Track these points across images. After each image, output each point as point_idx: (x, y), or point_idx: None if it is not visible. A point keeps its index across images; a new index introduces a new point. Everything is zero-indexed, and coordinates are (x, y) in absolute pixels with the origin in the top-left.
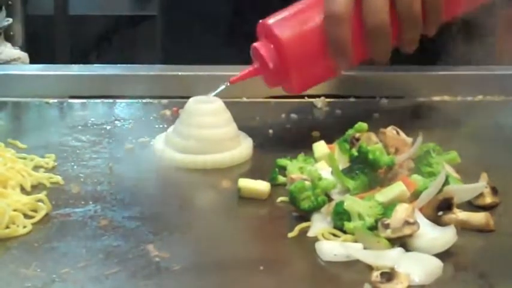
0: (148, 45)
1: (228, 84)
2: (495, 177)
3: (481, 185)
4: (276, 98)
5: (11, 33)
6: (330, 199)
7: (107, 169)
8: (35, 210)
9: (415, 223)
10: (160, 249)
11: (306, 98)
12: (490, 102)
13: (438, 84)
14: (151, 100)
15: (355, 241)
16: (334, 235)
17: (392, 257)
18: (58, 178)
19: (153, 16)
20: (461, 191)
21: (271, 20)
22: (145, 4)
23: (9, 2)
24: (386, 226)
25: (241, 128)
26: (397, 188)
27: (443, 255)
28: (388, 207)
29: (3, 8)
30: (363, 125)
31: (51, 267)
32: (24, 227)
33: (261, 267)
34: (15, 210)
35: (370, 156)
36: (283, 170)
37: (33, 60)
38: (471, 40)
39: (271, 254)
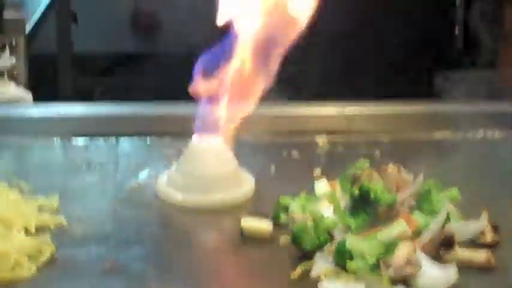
0: (151, 83)
1: None
2: (496, 214)
3: (482, 223)
4: (278, 135)
5: (15, 72)
6: (332, 237)
7: (110, 209)
8: (39, 251)
9: (416, 262)
10: None
11: (307, 135)
12: (490, 138)
13: (439, 121)
14: (154, 138)
15: (358, 281)
16: (338, 274)
17: None
18: (62, 219)
19: (157, 53)
20: (462, 228)
21: None
22: (149, 41)
23: (13, 42)
24: (388, 265)
25: (243, 165)
26: (399, 226)
27: None
28: (390, 246)
29: (7, 47)
30: (364, 163)
31: None
32: (29, 269)
33: None
34: (20, 252)
35: (372, 194)
36: (285, 208)
37: (36, 99)
38: (471, 74)
39: None
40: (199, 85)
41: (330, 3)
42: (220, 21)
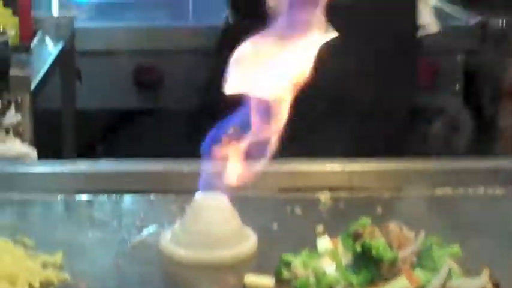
0: (154, 139)
1: None
2: (497, 271)
3: (483, 280)
4: (280, 192)
5: (20, 129)
6: None
7: (113, 266)
8: None
9: None
10: None
11: (310, 191)
12: (491, 194)
13: (439, 177)
14: (157, 195)
15: None
16: None
17: None
18: (66, 275)
19: (159, 110)
20: (464, 285)
21: None
22: (151, 98)
23: (19, 99)
24: None
25: (246, 222)
26: (401, 283)
27: None
28: None
29: (13, 105)
30: (366, 220)
31: None
32: None
33: None
34: None
35: (373, 251)
36: (288, 265)
37: (40, 155)
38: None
39: None
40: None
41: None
42: (228, 90)
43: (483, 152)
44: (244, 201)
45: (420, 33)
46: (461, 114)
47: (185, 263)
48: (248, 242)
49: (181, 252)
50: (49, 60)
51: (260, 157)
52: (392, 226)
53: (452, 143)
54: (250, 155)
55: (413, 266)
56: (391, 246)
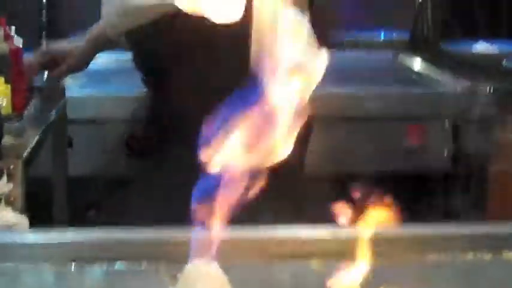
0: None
1: None
2: None
3: None
4: (274, 259)
5: (11, 198)
6: None
7: None
8: None
9: None
10: None
11: (300, 258)
12: (480, 260)
13: (428, 243)
14: (149, 263)
15: None
16: None
17: None
18: None
19: (150, 177)
20: None
21: None
22: (141, 166)
23: (11, 168)
24: None
25: None
26: None
27: None
28: None
29: (5, 173)
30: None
31: None
32: None
33: None
34: None
35: None
36: None
37: (32, 223)
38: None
39: None
40: (196, 210)
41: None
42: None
43: (472, 217)
44: (236, 269)
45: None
46: (449, 177)
47: None
48: None
49: None
50: (41, 129)
51: (248, 222)
52: None
53: (440, 207)
54: (237, 220)
55: None
56: None
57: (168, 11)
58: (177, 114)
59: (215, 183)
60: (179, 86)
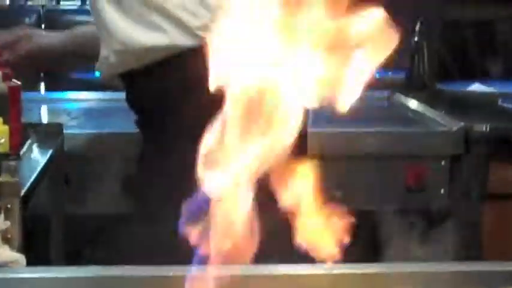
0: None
1: None
2: None
3: None
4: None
5: (9, 236)
6: None
7: None
8: None
9: None
10: None
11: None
12: None
13: (419, 281)
14: None
15: None
16: None
17: None
18: None
19: (147, 215)
20: None
21: None
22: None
23: (8, 206)
24: None
25: None
26: None
27: None
28: None
29: (2, 211)
30: None
31: None
32: None
33: None
34: None
35: None
36: None
37: (29, 260)
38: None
39: None
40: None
41: None
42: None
43: (466, 256)
44: None
45: None
46: (446, 217)
47: None
48: None
49: None
50: (39, 167)
51: (245, 258)
52: None
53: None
54: (234, 256)
55: None
56: None
57: (174, 53)
58: (167, 157)
59: (208, 227)
60: (168, 128)
